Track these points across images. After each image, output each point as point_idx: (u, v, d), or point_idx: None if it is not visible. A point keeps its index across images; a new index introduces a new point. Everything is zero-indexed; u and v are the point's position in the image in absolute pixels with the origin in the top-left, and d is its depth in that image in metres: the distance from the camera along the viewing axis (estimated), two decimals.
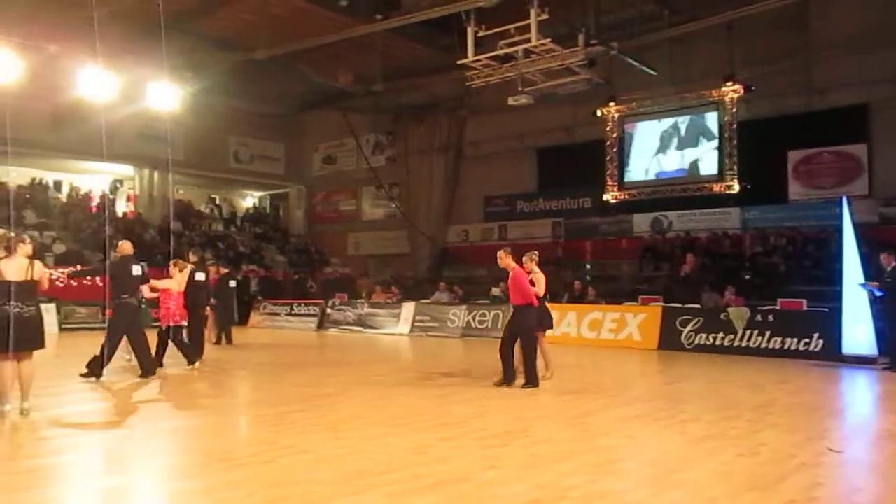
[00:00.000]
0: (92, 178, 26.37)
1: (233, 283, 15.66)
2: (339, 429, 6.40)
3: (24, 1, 16.49)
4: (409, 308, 18.18)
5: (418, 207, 26.48)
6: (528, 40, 15.99)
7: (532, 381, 8.90)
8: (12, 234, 6.99)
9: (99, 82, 17.01)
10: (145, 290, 9.93)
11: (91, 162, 23.89)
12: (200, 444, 6.08)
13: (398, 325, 18.03)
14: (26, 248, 6.97)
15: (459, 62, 17.23)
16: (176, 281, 10.53)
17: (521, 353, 9.10)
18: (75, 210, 23.80)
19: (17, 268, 6.75)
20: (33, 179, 24.18)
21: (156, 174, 25.82)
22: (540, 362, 9.21)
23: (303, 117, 29.17)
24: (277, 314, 20.81)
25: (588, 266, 21.70)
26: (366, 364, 12.36)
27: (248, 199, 32.65)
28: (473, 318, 16.92)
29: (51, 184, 25.03)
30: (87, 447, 6.01)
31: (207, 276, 12.31)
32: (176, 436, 6.48)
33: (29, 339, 6.82)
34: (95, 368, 9.02)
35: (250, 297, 21.48)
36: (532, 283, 9.09)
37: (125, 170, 26.15)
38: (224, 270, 15.29)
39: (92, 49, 16.53)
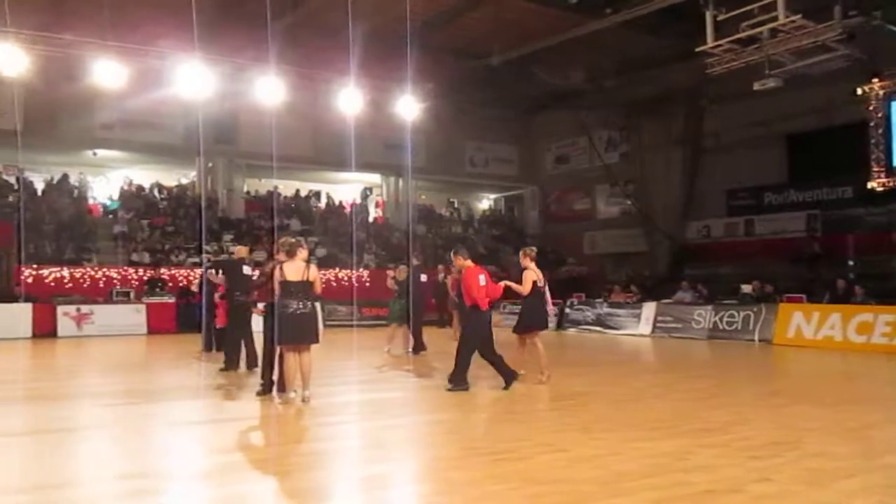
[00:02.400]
0: (346, 188, 28.79)
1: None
2: (593, 430, 6.36)
3: (283, 28, 18.26)
4: (650, 308, 17.61)
5: (655, 204, 25.60)
6: (775, 18, 14.79)
7: (457, 383, 8.46)
8: (293, 240, 7.82)
9: (351, 99, 18.58)
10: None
11: (344, 172, 26.03)
12: (459, 437, 6.35)
13: (639, 325, 17.54)
14: (304, 252, 7.77)
15: (698, 49, 16.39)
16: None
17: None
18: (332, 217, 26.06)
19: (296, 270, 7.53)
20: (297, 191, 26.89)
21: (400, 181, 27.50)
22: (527, 360, 9.02)
23: (535, 118, 29.45)
24: (516, 314, 21.11)
25: (851, 263, 19.56)
26: (609, 365, 12.20)
27: (484, 202, 33.63)
28: (721, 319, 15.96)
29: (311, 194, 27.67)
30: (356, 435, 6.55)
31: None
32: (436, 428, 6.83)
33: (307, 334, 7.57)
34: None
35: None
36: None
37: (374, 178, 28.22)
38: None
39: (343, 69, 18.13)
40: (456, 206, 31.61)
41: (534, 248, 9.60)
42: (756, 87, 16.75)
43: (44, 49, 16.28)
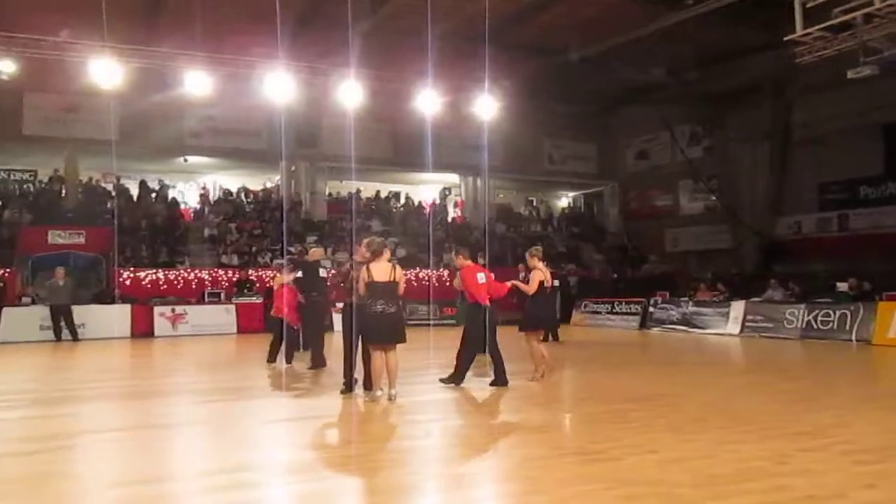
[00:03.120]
0: (425, 188, 29.06)
1: (557, 283, 16.08)
2: (684, 430, 6.22)
3: (361, 33, 18.55)
4: (738, 307, 17.06)
5: (741, 199, 24.82)
6: (870, 3, 14.08)
7: (457, 378, 8.74)
8: (380, 240, 7.96)
9: (429, 100, 18.75)
10: None
11: (423, 173, 26.26)
12: (546, 437, 6.30)
13: (727, 324, 17.01)
14: (388, 253, 7.90)
15: (786, 38, 15.76)
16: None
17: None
18: (412, 217, 26.33)
19: (383, 270, 7.65)
20: (377, 192, 27.30)
21: (479, 181, 27.54)
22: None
23: (614, 114, 28.95)
24: (598, 312, 20.95)
25: None
26: (697, 365, 11.91)
27: (563, 200, 33.33)
28: (815, 319, 15.31)
29: (391, 195, 28.05)
30: (443, 433, 6.61)
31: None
32: (522, 428, 6.81)
33: (393, 333, 7.70)
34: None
35: (571, 296, 21.87)
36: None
37: (452, 178, 28.37)
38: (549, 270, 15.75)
39: (421, 70, 18.30)
40: (534, 204, 31.44)
41: (539, 248, 9.64)
42: (850, 75, 15.97)
43: (138, 62, 17.12)
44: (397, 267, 7.82)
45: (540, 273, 9.21)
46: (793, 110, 23.63)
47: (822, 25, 15.17)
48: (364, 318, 7.66)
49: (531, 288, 9.15)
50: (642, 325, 19.29)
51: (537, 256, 9.36)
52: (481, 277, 8.77)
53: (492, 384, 8.80)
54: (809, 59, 16.18)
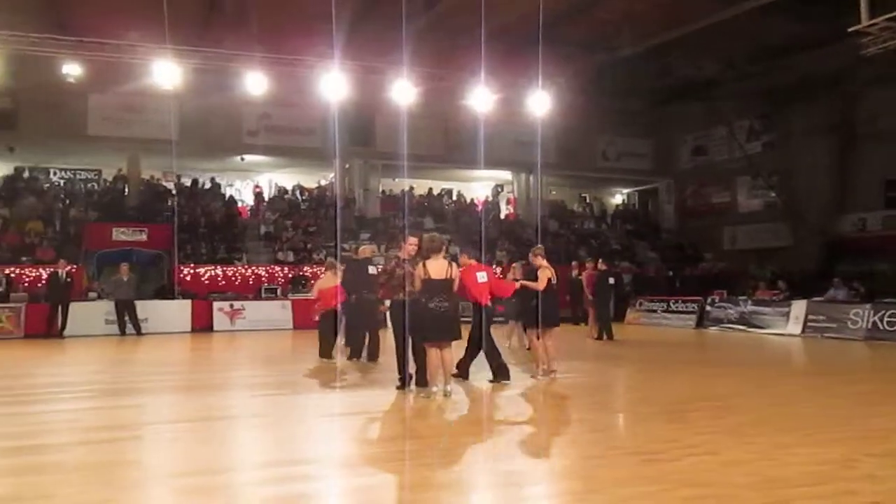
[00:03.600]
0: (477, 185, 29.05)
1: (611, 280, 15.96)
2: (744, 432, 6.10)
3: (414, 31, 18.64)
4: (799, 306, 16.60)
5: (802, 196, 24.12)
6: None
7: (504, 375, 8.75)
8: (437, 237, 8.01)
9: (481, 97, 18.75)
10: None
11: (475, 170, 26.25)
12: (603, 437, 6.26)
13: (788, 324, 16.58)
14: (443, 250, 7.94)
15: (850, 29, 15.28)
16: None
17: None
18: (464, 214, 26.36)
19: (440, 267, 7.69)
20: (430, 189, 27.41)
21: (531, 177, 27.40)
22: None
23: (669, 110, 28.39)
24: (654, 311, 20.64)
25: None
26: (757, 365, 11.64)
27: (617, 196, 32.94)
28: (881, 319, 14.79)
29: (443, 192, 28.13)
30: (499, 430, 6.62)
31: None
32: (578, 427, 6.78)
33: (449, 331, 7.75)
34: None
35: (625, 294, 21.61)
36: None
37: (505, 175, 28.29)
38: (603, 267, 15.62)
39: (473, 68, 18.30)
40: (588, 201, 31.13)
41: (542, 247, 9.67)
42: None
43: (196, 63, 17.57)
44: (453, 264, 7.86)
45: (548, 271, 9.26)
46: (857, 104, 22.87)
47: (889, 16, 14.68)
48: (420, 315, 7.71)
49: (541, 285, 9.16)
50: (699, 324, 18.94)
51: (540, 255, 9.44)
52: (481, 276, 8.76)
53: (492, 381, 8.82)
54: (874, 50, 15.67)
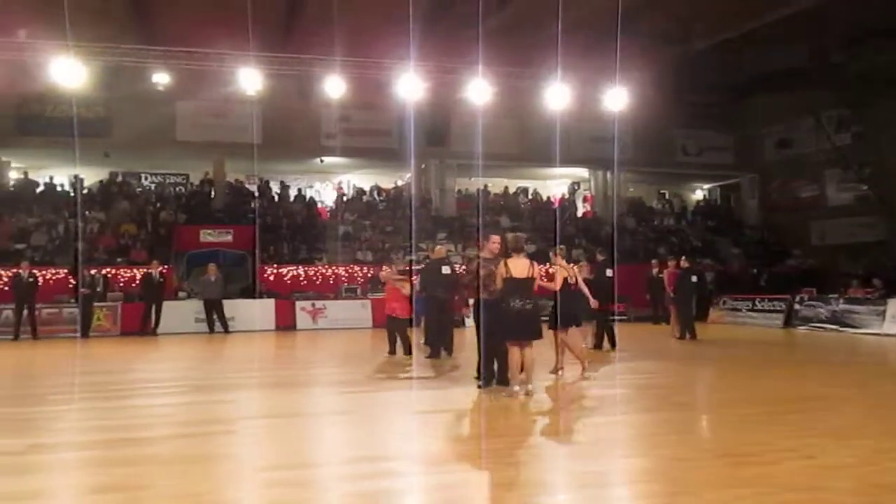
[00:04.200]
0: (553, 183, 28.81)
1: (694, 278, 15.57)
2: (843, 436, 5.87)
3: (488, 31, 18.61)
4: None
5: None
6: None
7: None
8: (519, 236, 8.00)
9: (557, 95, 18.59)
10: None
11: (551, 168, 26.04)
12: (691, 438, 6.14)
13: (883, 323, 15.80)
14: (526, 249, 7.93)
15: None
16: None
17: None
18: (541, 213, 26.18)
19: (521, 267, 7.68)
20: (506, 188, 27.35)
21: (608, 174, 26.99)
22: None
23: (750, 101, 27.48)
24: (738, 310, 20.00)
25: None
26: (852, 366, 11.18)
27: (698, 192, 32.08)
28: None
29: (519, 191, 28.02)
30: (582, 429, 6.56)
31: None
32: (663, 428, 6.63)
33: (531, 330, 7.72)
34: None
35: (708, 292, 21.01)
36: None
37: (581, 172, 27.96)
38: (685, 265, 15.26)
39: (548, 65, 18.16)
40: (667, 197, 30.42)
41: (563, 248, 9.85)
42: None
43: (278, 69, 18.08)
44: (535, 263, 7.82)
45: (563, 270, 9.40)
46: None
47: None
48: (502, 314, 7.71)
49: (556, 285, 9.23)
50: (787, 324, 18.25)
51: (560, 255, 9.62)
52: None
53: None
54: None
